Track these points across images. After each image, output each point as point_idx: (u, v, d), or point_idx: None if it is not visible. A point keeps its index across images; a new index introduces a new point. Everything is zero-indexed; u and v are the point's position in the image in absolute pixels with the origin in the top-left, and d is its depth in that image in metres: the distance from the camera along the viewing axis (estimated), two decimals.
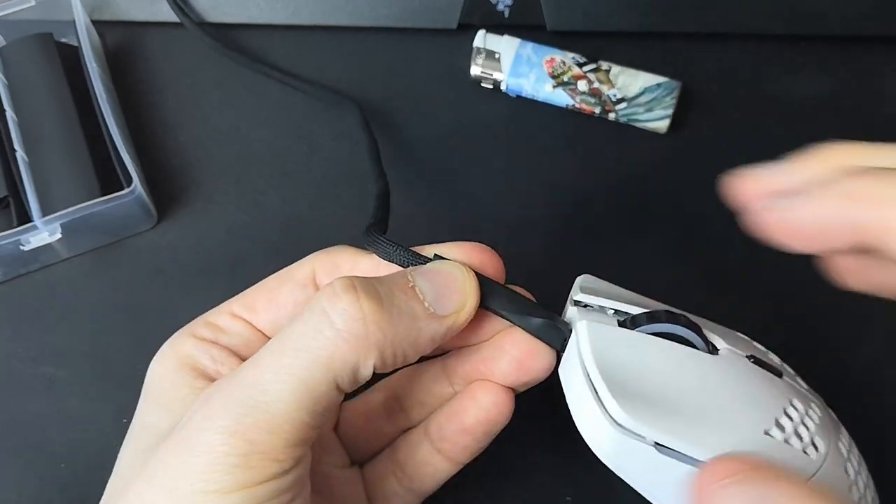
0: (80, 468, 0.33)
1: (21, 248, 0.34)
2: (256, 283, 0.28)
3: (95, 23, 0.40)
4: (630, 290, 0.27)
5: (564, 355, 0.25)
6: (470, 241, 0.26)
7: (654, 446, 0.22)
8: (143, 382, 0.34)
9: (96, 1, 0.40)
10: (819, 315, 0.35)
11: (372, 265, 0.26)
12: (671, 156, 0.38)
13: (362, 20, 0.40)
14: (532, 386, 0.27)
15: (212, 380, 0.25)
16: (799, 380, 0.26)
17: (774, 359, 0.27)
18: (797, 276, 0.36)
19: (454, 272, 0.24)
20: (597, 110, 0.38)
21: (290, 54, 0.40)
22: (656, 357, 0.24)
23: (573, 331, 0.25)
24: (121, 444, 0.33)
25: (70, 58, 0.38)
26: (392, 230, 0.27)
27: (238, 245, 0.37)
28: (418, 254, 0.25)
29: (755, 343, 0.27)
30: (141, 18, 0.41)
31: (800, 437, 0.23)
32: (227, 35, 0.41)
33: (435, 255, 0.25)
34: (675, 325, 0.24)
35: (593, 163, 0.38)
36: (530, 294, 0.27)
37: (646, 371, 0.23)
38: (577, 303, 0.26)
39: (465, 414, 0.27)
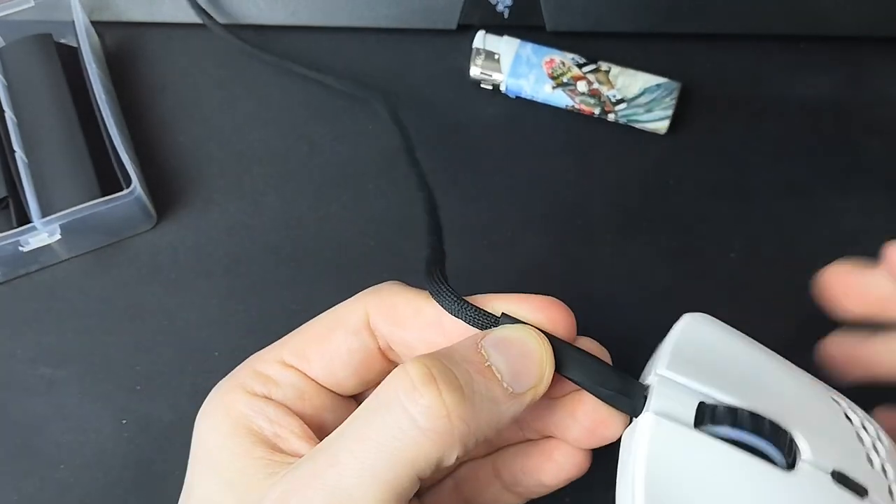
0: (80, 468, 0.33)
1: (20, 248, 0.34)
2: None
3: (95, 23, 0.40)
4: (743, 334, 0.25)
5: (626, 431, 0.24)
6: (539, 294, 0.25)
7: None
8: (143, 383, 0.34)
9: (96, 2, 0.40)
10: (818, 315, 0.35)
11: (435, 313, 0.25)
12: (671, 156, 0.38)
13: (362, 21, 0.40)
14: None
15: (270, 445, 0.24)
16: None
17: (882, 441, 0.24)
18: (797, 276, 0.36)
19: (529, 343, 0.23)
20: (596, 111, 0.38)
21: (290, 55, 0.40)
22: (719, 469, 0.21)
23: (636, 419, 0.23)
24: (118, 445, 0.33)
25: (69, 58, 0.39)
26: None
27: (238, 246, 0.37)
28: (486, 312, 0.24)
29: (858, 422, 0.24)
30: (140, 19, 0.41)
31: None
32: (228, 37, 0.41)
33: (503, 314, 0.24)
34: (751, 435, 0.22)
35: (593, 163, 0.38)
36: (605, 350, 0.25)
37: (701, 484, 0.21)
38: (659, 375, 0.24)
39: (543, 472, 0.26)
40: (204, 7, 0.40)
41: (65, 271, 0.36)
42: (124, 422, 0.34)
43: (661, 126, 0.38)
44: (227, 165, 0.38)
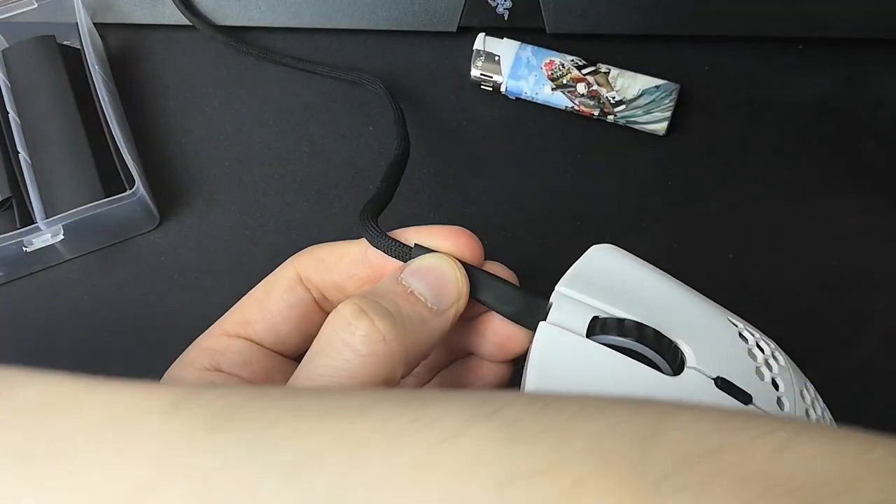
0: None
1: (24, 249, 0.34)
2: (248, 289, 0.28)
3: (97, 25, 0.40)
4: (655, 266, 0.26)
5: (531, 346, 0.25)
6: (449, 225, 0.27)
7: None
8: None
9: (98, 3, 0.41)
10: (818, 315, 0.36)
11: (358, 251, 0.27)
12: (670, 157, 0.38)
13: (363, 23, 0.41)
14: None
15: None
16: (784, 383, 0.25)
17: (776, 359, 0.25)
18: (797, 276, 0.36)
19: (444, 266, 0.25)
20: (596, 112, 0.38)
21: (291, 56, 0.41)
22: (606, 372, 0.23)
23: (536, 328, 0.25)
24: None
25: (72, 60, 0.39)
26: (390, 230, 0.27)
27: (239, 246, 0.37)
28: (401, 243, 0.26)
29: (752, 341, 0.26)
30: (143, 21, 0.41)
31: None
32: (229, 37, 0.41)
33: (416, 244, 0.26)
34: (635, 343, 0.24)
35: (592, 164, 0.39)
36: (512, 272, 0.27)
37: (589, 385, 0.23)
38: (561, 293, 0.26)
39: (474, 386, 0.28)
40: (206, 9, 0.41)
41: (67, 272, 0.37)
42: None
43: (660, 127, 0.38)
44: (229, 166, 0.39)
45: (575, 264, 0.26)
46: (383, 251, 0.26)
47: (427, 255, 0.26)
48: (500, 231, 0.37)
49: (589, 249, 0.27)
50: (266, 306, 0.27)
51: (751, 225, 0.37)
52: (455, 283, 0.25)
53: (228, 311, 0.28)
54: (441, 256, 0.26)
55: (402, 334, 0.23)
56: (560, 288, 0.25)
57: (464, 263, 0.26)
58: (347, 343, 0.23)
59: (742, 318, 0.27)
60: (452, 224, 0.39)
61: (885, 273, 0.36)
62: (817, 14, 0.39)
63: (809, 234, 0.37)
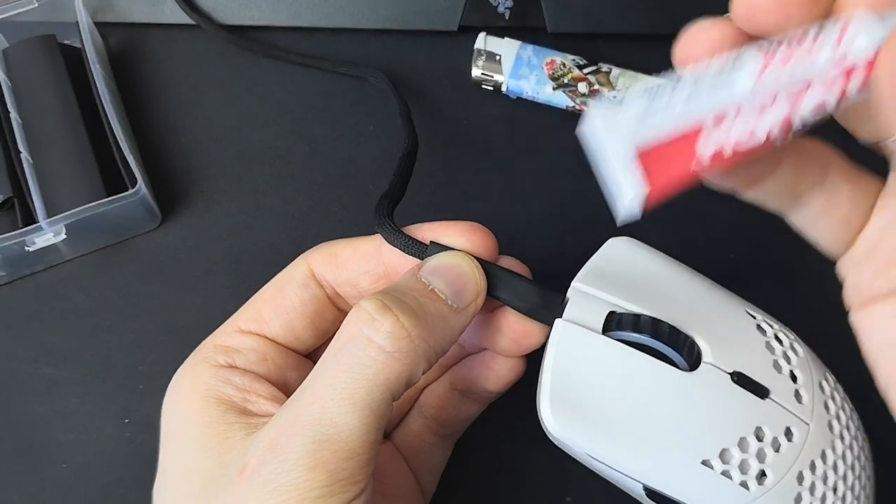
0: (81, 468, 0.33)
1: (26, 248, 0.34)
2: (257, 287, 0.28)
3: (98, 24, 0.40)
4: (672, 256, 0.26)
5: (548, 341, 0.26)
6: (462, 220, 0.27)
7: (586, 455, 0.23)
8: (145, 382, 0.35)
9: (99, 2, 0.41)
10: (819, 316, 0.36)
11: (371, 247, 0.27)
12: None
13: (363, 22, 0.41)
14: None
15: (242, 410, 0.25)
16: (804, 383, 0.25)
17: (795, 351, 0.25)
18: (798, 277, 0.36)
19: (461, 265, 0.25)
20: None
21: (291, 55, 0.41)
22: (621, 369, 0.23)
23: (553, 324, 0.25)
24: (120, 444, 0.33)
25: (73, 59, 0.39)
26: (405, 226, 0.27)
27: (240, 245, 0.37)
28: (417, 240, 0.26)
29: (771, 333, 0.25)
30: (143, 20, 0.41)
31: (743, 470, 0.22)
32: (230, 36, 0.41)
33: (431, 242, 0.26)
34: (651, 339, 0.24)
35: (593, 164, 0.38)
36: (525, 267, 0.27)
37: (604, 382, 0.23)
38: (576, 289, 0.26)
39: (487, 380, 0.28)
40: (207, 8, 0.41)
41: (69, 271, 0.37)
42: (126, 421, 0.34)
43: None
44: (229, 165, 0.39)
45: (592, 258, 0.26)
46: (400, 248, 0.26)
47: (444, 252, 0.26)
48: (500, 231, 0.37)
49: (606, 242, 0.27)
50: (280, 303, 0.27)
51: (752, 224, 0.37)
52: (474, 281, 0.25)
53: (241, 308, 0.28)
54: (458, 254, 0.26)
55: (426, 331, 0.23)
56: (576, 283, 0.25)
57: (480, 260, 0.26)
58: (371, 339, 0.23)
59: (759, 306, 0.26)
60: None
61: None
62: None
63: None
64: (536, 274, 0.29)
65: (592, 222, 0.38)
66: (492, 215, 0.38)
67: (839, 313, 0.33)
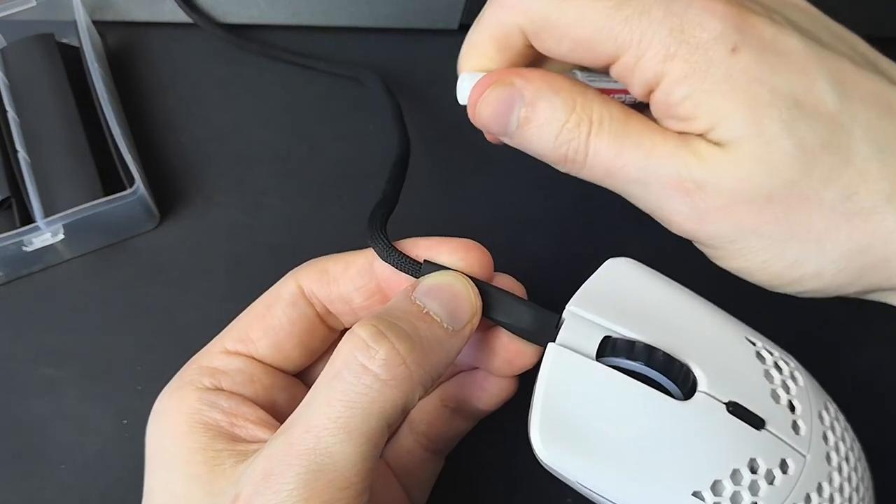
0: (81, 469, 0.33)
1: (23, 248, 0.34)
2: (256, 287, 0.28)
3: (96, 23, 0.40)
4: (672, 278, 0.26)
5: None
6: (458, 237, 0.26)
7: (577, 483, 0.23)
8: (144, 383, 0.34)
9: (97, 1, 0.40)
10: (819, 318, 0.35)
11: (364, 262, 0.26)
12: None
13: (363, 21, 0.40)
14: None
15: (229, 436, 0.24)
16: (803, 414, 0.24)
17: (794, 380, 0.25)
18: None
19: (456, 286, 0.25)
20: None
21: (291, 54, 0.40)
22: (614, 397, 0.23)
23: (546, 348, 0.24)
24: (119, 445, 0.33)
25: (71, 58, 0.39)
26: (392, 231, 0.27)
27: (239, 245, 0.37)
28: (411, 259, 0.25)
29: (770, 361, 0.25)
30: (142, 19, 0.41)
31: (735, 502, 0.22)
32: (229, 35, 0.41)
33: (425, 260, 0.25)
34: (645, 367, 0.23)
35: None
36: (521, 286, 0.27)
37: (596, 409, 0.23)
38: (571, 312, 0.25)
39: (478, 399, 0.28)
40: (206, 6, 0.40)
41: (67, 271, 0.37)
42: (125, 422, 0.34)
43: None
44: (229, 165, 0.39)
45: (588, 280, 0.26)
46: (393, 265, 0.26)
47: (439, 272, 0.25)
48: (500, 231, 0.37)
49: (604, 264, 0.26)
50: (267, 322, 0.27)
51: None
52: (469, 302, 0.25)
53: (227, 327, 0.27)
54: (453, 274, 0.25)
55: (422, 356, 0.23)
56: (571, 307, 0.25)
57: (475, 280, 0.25)
58: (366, 367, 0.22)
59: (743, 320, 0.26)
60: (453, 222, 0.39)
61: None
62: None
63: None
64: (533, 279, 0.29)
65: (592, 222, 0.38)
66: (491, 215, 0.38)
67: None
